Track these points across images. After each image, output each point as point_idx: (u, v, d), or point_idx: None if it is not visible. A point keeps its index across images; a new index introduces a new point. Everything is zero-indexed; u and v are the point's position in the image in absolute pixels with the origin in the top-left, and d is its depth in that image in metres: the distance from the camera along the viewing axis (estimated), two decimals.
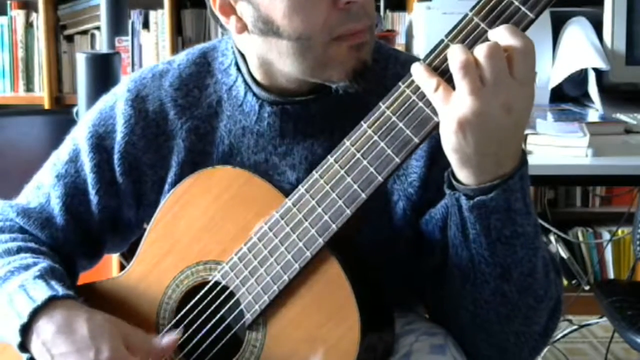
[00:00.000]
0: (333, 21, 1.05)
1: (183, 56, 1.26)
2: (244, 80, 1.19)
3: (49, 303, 1.08)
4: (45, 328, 1.06)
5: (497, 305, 1.04)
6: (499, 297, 1.04)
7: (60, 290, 1.10)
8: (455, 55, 0.91)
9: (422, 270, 1.15)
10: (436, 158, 1.13)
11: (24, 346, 1.08)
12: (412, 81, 0.98)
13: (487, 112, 0.91)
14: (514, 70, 0.91)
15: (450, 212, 1.04)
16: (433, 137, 1.12)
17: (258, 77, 1.17)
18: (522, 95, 0.92)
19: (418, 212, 1.15)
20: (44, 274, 1.13)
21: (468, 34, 0.94)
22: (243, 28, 1.12)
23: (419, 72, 0.96)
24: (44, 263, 1.16)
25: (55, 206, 1.24)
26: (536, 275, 1.04)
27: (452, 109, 0.92)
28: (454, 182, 1.00)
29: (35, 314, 1.07)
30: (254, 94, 1.18)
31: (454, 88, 0.93)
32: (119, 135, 1.22)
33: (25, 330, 1.07)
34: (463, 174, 0.98)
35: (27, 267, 1.14)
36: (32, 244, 1.22)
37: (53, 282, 1.12)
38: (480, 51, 0.91)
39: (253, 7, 1.08)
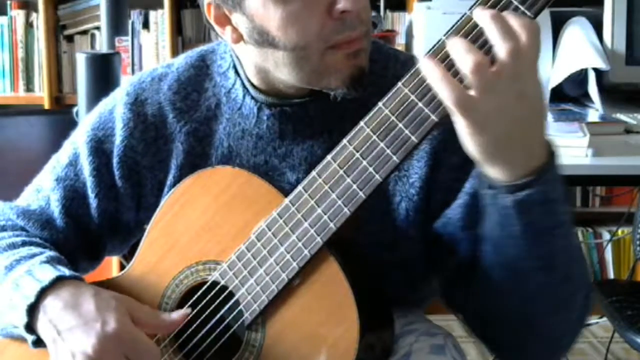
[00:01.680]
0: (328, 31, 1.05)
1: (182, 59, 1.26)
2: (242, 84, 1.19)
3: (56, 283, 1.09)
4: (52, 306, 1.07)
5: (543, 297, 1.03)
6: (545, 289, 1.02)
7: (67, 271, 1.11)
8: (464, 56, 0.90)
9: (445, 271, 1.14)
10: (441, 158, 1.13)
11: (30, 327, 1.08)
12: (411, 80, 0.97)
13: (504, 105, 0.90)
14: (524, 50, 0.89)
15: (489, 212, 1.02)
16: (435, 138, 1.12)
17: (255, 82, 1.17)
18: (531, 80, 0.91)
19: (430, 215, 1.14)
20: (50, 260, 1.14)
21: (467, 33, 0.94)
22: (239, 38, 1.11)
23: (429, 68, 0.93)
24: (50, 252, 1.17)
25: (55, 209, 1.24)
26: (574, 261, 1.03)
27: (469, 112, 0.91)
28: (491, 182, 0.98)
29: (42, 294, 1.08)
30: (252, 97, 1.18)
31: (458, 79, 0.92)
32: (118, 139, 1.22)
33: (32, 310, 1.08)
34: (496, 173, 0.96)
35: (33, 256, 1.15)
36: (36, 239, 1.23)
37: (59, 266, 1.13)
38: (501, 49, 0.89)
39: (248, 18, 1.08)
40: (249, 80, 1.18)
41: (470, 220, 1.10)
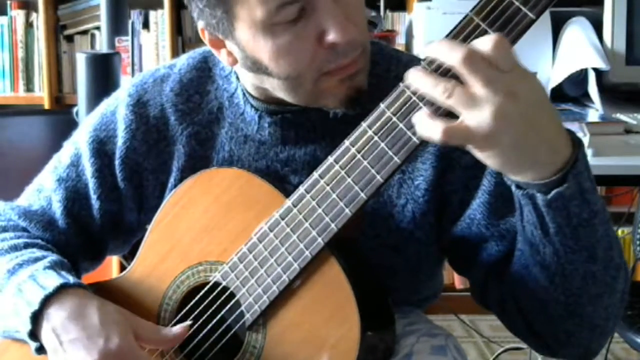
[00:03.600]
0: (320, 59, 1.04)
1: (184, 60, 1.26)
2: (243, 91, 1.18)
3: (60, 291, 1.08)
4: (56, 314, 1.07)
5: (588, 287, 1.02)
6: (589, 279, 1.01)
7: (71, 279, 1.11)
8: (431, 90, 0.89)
9: (476, 271, 1.13)
10: (452, 159, 1.12)
11: (34, 334, 1.08)
12: None
13: (499, 112, 0.86)
14: (498, 64, 0.87)
15: (521, 213, 1.00)
16: None
17: (255, 94, 1.17)
18: (517, 79, 0.88)
19: (449, 217, 1.14)
20: (53, 265, 1.14)
21: (469, 35, 0.93)
22: (234, 61, 1.11)
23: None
24: (53, 256, 1.17)
25: (57, 210, 1.24)
26: (614, 246, 1.01)
27: (470, 136, 0.88)
28: (520, 184, 0.96)
29: (47, 301, 1.07)
30: (252, 106, 1.17)
31: None
32: (120, 141, 1.22)
33: (36, 318, 1.07)
34: (526, 177, 0.94)
35: (35, 260, 1.15)
36: (38, 241, 1.22)
37: (63, 272, 1.12)
38: (458, 65, 0.87)
39: (239, 48, 1.08)
40: (247, 91, 1.17)
41: (494, 217, 1.10)
